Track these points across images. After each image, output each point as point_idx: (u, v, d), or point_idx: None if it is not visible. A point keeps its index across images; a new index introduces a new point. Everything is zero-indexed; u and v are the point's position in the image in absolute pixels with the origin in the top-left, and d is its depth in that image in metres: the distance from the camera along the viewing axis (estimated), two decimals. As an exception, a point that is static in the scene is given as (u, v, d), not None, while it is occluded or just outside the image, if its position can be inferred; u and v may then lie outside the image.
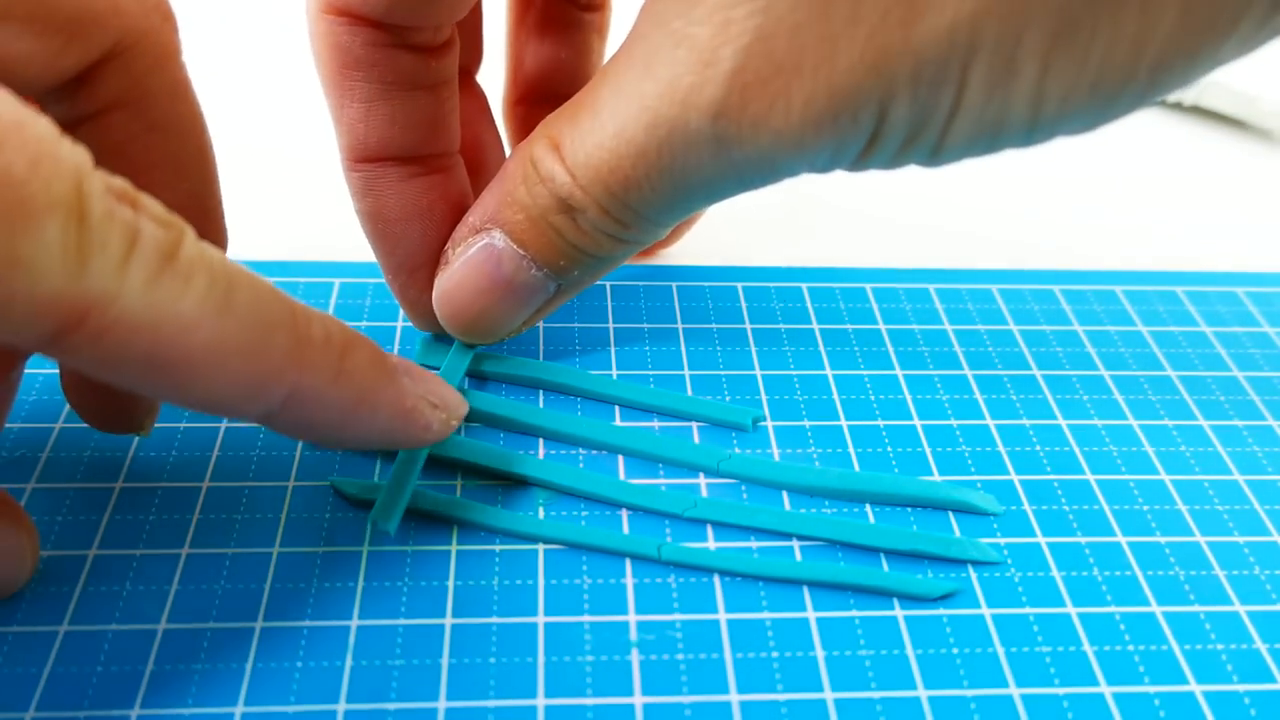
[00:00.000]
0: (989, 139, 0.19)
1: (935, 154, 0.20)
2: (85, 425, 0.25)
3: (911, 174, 0.38)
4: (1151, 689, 0.21)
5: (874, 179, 0.38)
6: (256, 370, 0.18)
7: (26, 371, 0.26)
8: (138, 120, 0.21)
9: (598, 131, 0.21)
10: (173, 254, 0.16)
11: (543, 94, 0.29)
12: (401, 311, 0.29)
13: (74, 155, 0.16)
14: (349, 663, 0.20)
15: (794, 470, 0.24)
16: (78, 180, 0.15)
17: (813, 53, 0.18)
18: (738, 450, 0.25)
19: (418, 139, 0.24)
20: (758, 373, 0.28)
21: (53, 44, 0.19)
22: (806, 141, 0.19)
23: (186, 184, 0.22)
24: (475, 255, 0.24)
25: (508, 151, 0.30)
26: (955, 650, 0.21)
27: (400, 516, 0.23)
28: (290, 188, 0.34)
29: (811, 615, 0.22)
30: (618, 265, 0.24)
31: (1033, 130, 0.19)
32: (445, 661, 0.21)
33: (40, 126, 0.15)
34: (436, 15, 0.23)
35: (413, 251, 0.25)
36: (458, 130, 0.25)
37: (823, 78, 0.18)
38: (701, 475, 0.25)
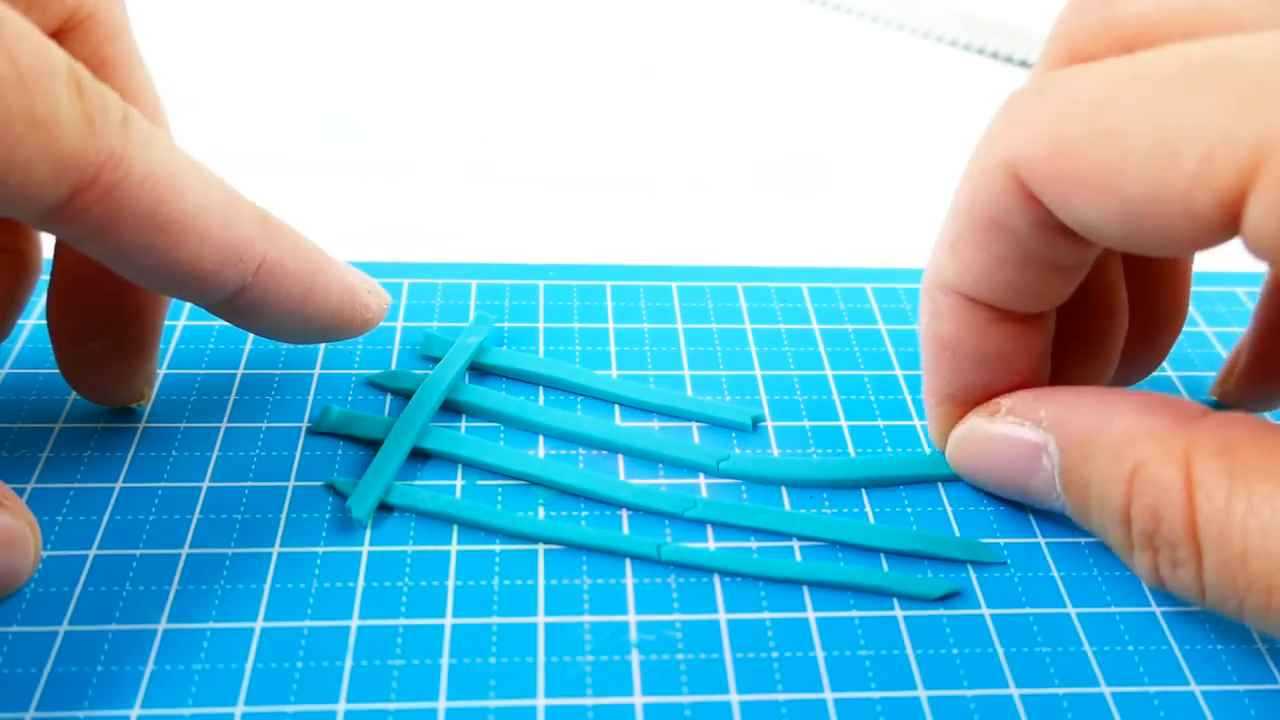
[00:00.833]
0: None
1: None
2: (86, 425, 0.25)
3: (911, 173, 0.38)
4: (1151, 689, 0.21)
5: (874, 178, 0.38)
6: (235, 235, 0.19)
7: (26, 371, 0.26)
8: None
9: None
10: (157, 132, 0.18)
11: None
12: (401, 309, 0.29)
13: (53, 45, 0.17)
14: (349, 663, 0.20)
15: (794, 464, 0.24)
16: (66, 59, 0.17)
17: None
18: (738, 450, 0.25)
19: (1019, 299, 0.21)
20: (758, 373, 0.28)
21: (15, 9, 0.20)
22: None
23: None
24: (1021, 446, 0.22)
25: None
26: (955, 650, 0.21)
27: (374, 504, 0.23)
28: (291, 188, 0.34)
29: (811, 615, 0.22)
30: None
31: None
32: (445, 661, 0.21)
33: (24, 20, 0.17)
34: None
35: (970, 388, 0.23)
36: (1064, 297, 0.22)
37: None
38: (701, 475, 0.25)
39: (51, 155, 0.16)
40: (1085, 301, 0.23)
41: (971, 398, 0.23)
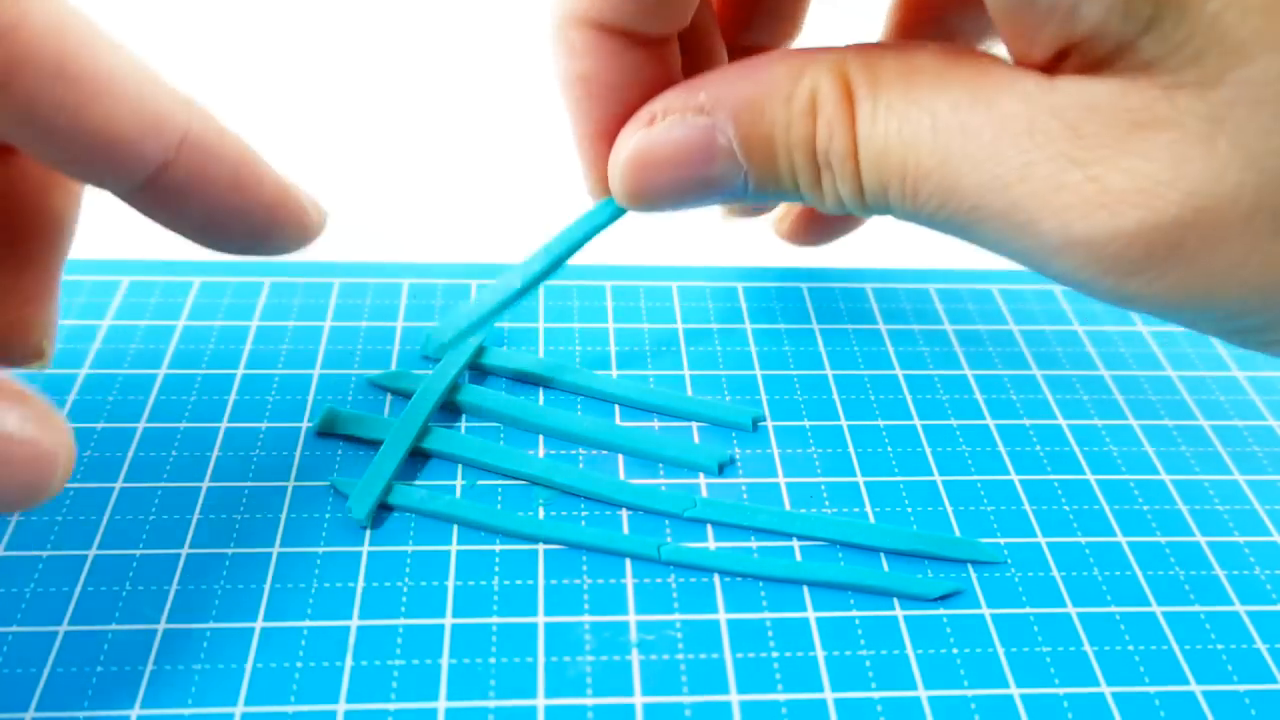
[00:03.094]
0: None
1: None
2: (86, 426, 0.25)
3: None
4: (1151, 689, 0.21)
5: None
6: (153, 101, 0.18)
7: (24, 371, 0.26)
8: None
9: (915, 124, 0.19)
10: None
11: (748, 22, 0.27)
12: (401, 309, 0.29)
13: None
14: (349, 663, 0.20)
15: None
16: None
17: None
18: (738, 451, 0.25)
19: (648, 17, 0.22)
20: (758, 373, 0.28)
21: None
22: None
23: None
24: (691, 136, 0.21)
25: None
26: (955, 650, 0.21)
27: (374, 504, 0.23)
28: (290, 188, 0.34)
29: (811, 615, 0.22)
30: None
31: None
32: (445, 661, 0.21)
33: None
34: None
35: (617, 116, 0.23)
36: (687, 17, 0.23)
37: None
38: (701, 475, 0.25)
39: None
40: (693, 40, 0.24)
41: (620, 127, 0.23)
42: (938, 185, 0.19)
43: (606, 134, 0.23)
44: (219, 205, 0.19)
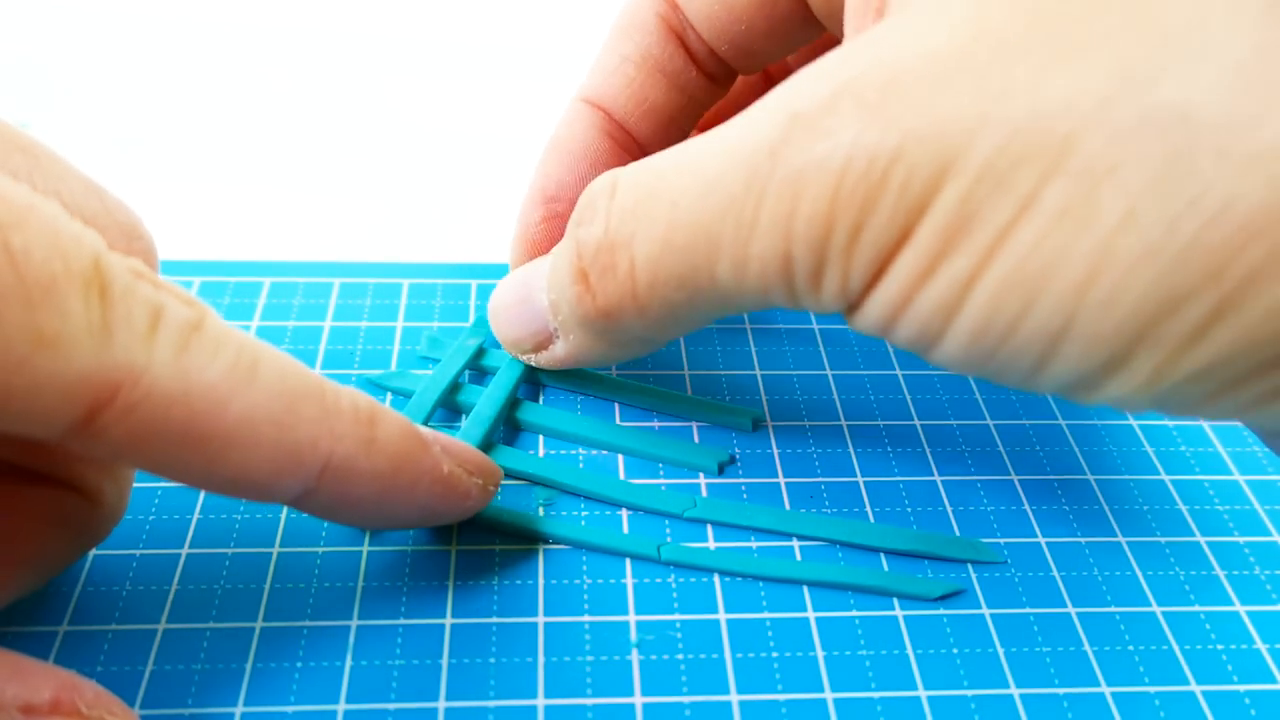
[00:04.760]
0: None
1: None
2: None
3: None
4: (1151, 689, 0.21)
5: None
6: (290, 440, 0.17)
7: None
8: None
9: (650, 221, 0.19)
10: (198, 326, 0.16)
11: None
12: (401, 309, 0.29)
13: (88, 234, 0.15)
14: (349, 663, 0.20)
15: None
16: (95, 256, 0.15)
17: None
18: (738, 450, 0.25)
19: (649, 125, 0.25)
20: (758, 373, 0.28)
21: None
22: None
23: None
24: (525, 276, 0.24)
25: None
26: (955, 650, 0.21)
27: None
28: (291, 188, 0.34)
29: (811, 615, 0.22)
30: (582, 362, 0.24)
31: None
32: (445, 661, 0.21)
33: (53, 207, 0.15)
34: (754, 57, 0.25)
35: (564, 185, 0.26)
36: (662, 133, 0.26)
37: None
38: (701, 475, 0.25)
39: (61, 378, 0.14)
40: None
41: (563, 196, 0.26)
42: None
43: (544, 193, 0.26)
44: (368, 514, 0.20)
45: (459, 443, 0.21)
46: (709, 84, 0.26)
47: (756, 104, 0.18)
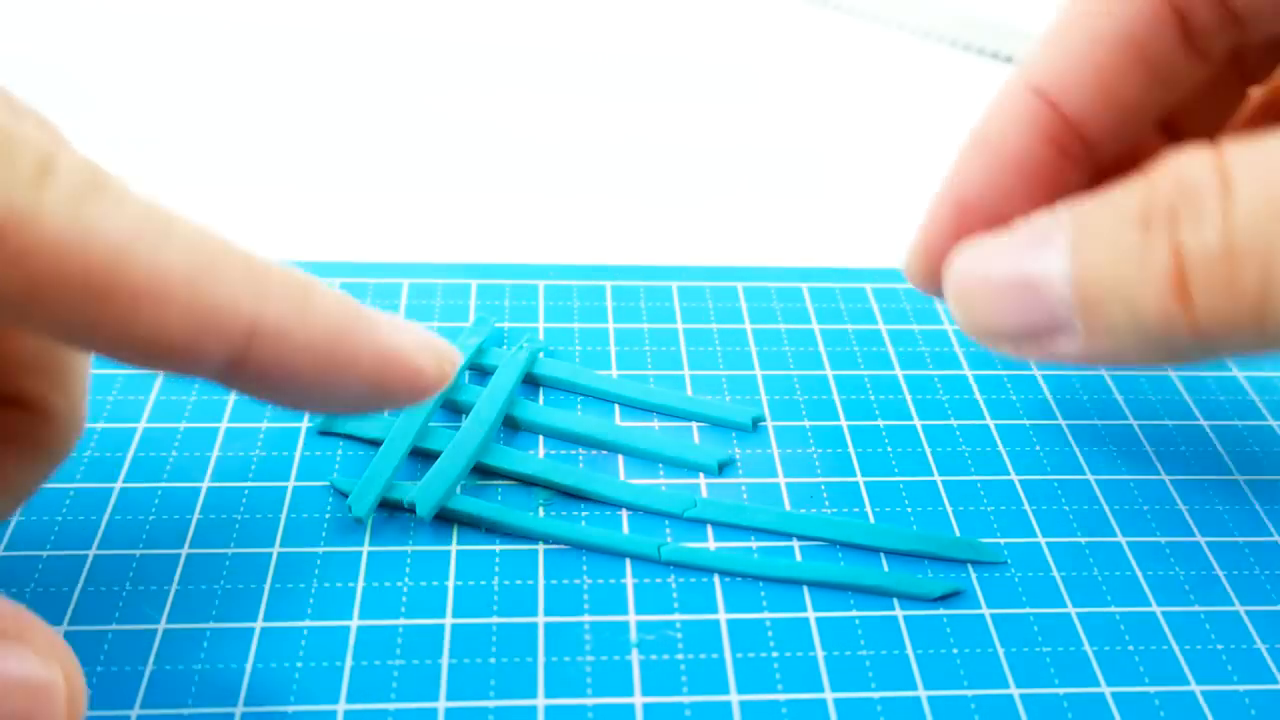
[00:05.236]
0: None
1: None
2: (86, 426, 0.25)
3: (912, 173, 0.38)
4: (1151, 689, 0.21)
5: (874, 178, 0.38)
6: (208, 298, 0.15)
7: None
8: None
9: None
10: (101, 185, 0.15)
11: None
12: (401, 309, 0.29)
13: None
14: (349, 663, 0.20)
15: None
16: None
17: None
18: (738, 451, 0.25)
19: (1107, 123, 0.20)
20: (758, 373, 0.28)
21: None
22: None
23: None
24: (1021, 251, 0.18)
25: None
26: (955, 650, 0.21)
27: (374, 504, 0.23)
28: (291, 188, 0.34)
29: (811, 615, 0.22)
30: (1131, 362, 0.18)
31: None
32: (445, 661, 0.21)
33: None
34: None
35: (986, 194, 0.21)
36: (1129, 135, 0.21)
37: None
38: (701, 475, 0.25)
39: None
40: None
41: (981, 208, 0.21)
42: None
43: (959, 206, 0.21)
44: (307, 389, 0.18)
45: (410, 322, 0.19)
46: (1197, 70, 0.20)
47: None
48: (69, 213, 0.15)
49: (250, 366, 0.16)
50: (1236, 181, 0.15)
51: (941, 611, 0.22)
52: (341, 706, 0.20)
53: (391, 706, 0.20)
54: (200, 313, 0.15)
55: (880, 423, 0.27)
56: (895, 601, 0.22)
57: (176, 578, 0.22)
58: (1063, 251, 0.17)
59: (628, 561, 0.23)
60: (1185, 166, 0.16)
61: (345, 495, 0.24)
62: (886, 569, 0.23)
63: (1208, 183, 0.16)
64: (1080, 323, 0.17)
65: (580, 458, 0.25)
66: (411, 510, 0.23)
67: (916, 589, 0.22)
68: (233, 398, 0.26)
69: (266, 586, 0.22)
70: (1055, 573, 0.23)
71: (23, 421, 0.19)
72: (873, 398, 0.27)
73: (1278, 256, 0.15)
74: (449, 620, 0.21)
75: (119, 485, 0.24)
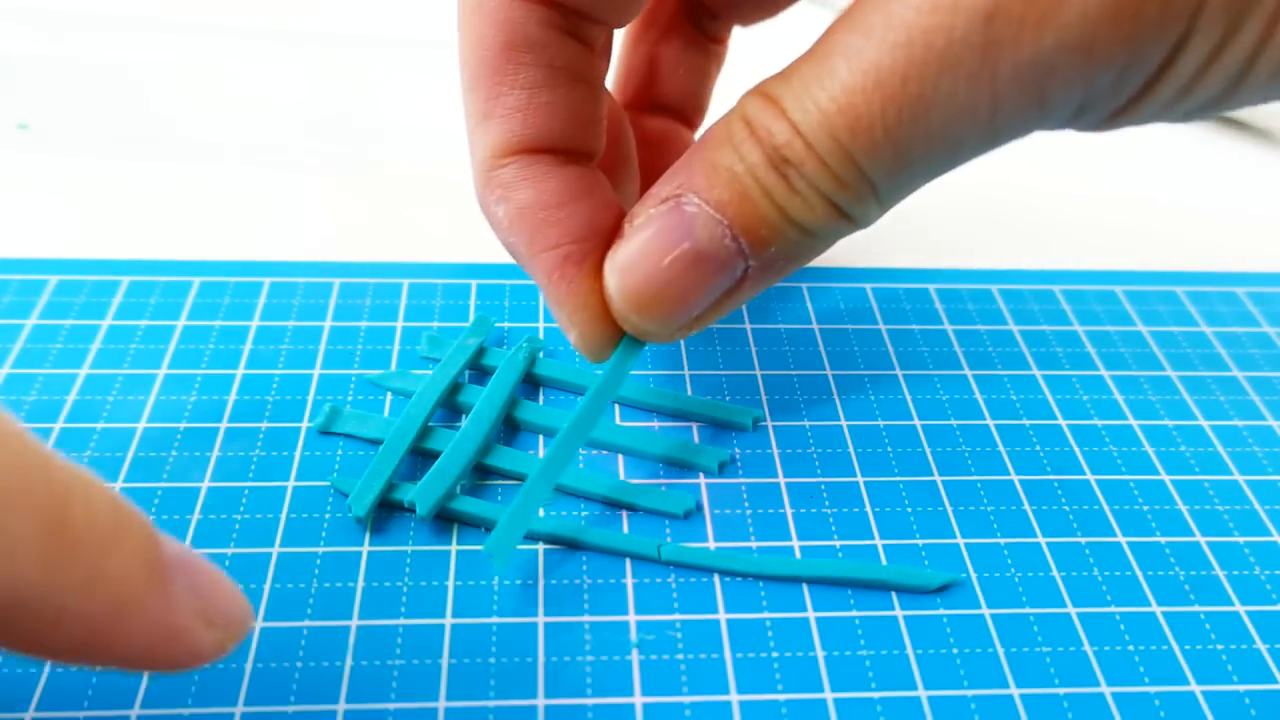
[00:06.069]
0: None
1: (1227, 95, 0.18)
2: (85, 426, 0.25)
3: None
4: (1151, 689, 0.21)
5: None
6: None
7: (27, 371, 0.26)
8: None
9: (827, 76, 0.19)
10: None
11: (651, 103, 0.29)
12: (401, 309, 0.29)
13: None
14: (349, 663, 0.20)
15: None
16: None
17: None
18: (738, 451, 0.25)
19: (574, 135, 0.22)
20: (758, 373, 0.28)
21: None
22: (1099, 44, 0.17)
23: None
24: (663, 219, 0.21)
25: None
26: (955, 650, 0.21)
27: (374, 504, 0.23)
28: (291, 188, 0.34)
29: (811, 615, 0.22)
30: (812, 255, 0.21)
31: None
32: (445, 661, 0.21)
33: None
34: (618, 9, 0.23)
35: (580, 235, 0.22)
36: (604, 133, 0.24)
37: None
38: (701, 475, 0.25)
39: None
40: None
41: (587, 245, 0.22)
42: (885, 101, 0.18)
43: (568, 257, 0.22)
44: (59, 660, 0.16)
45: (212, 572, 0.17)
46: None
47: None
48: None
49: (7, 634, 0.14)
50: (782, 99, 0.19)
51: (941, 611, 0.22)
52: (341, 706, 0.20)
53: (391, 706, 0.20)
54: None
55: (880, 423, 0.27)
56: (895, 601, 0.22)
57: (176, 578, 0.22)
58: (708, 215, 0.20)
59: (628, 561, 0.23)
60: (748, 106, 0.20)
61: (345, 495, 0.24)
62: (885, 562, 0.23)
63: (767, 108, 0.20)
64: (755, 260, 0.21)
65: (580, 458, 0.25)
66: (411, 510, 0.23)
67: (915, 580, 0.22)
68: (233, 397, 0.26)
69: (266, 586, 0.22)
70: (1055, 573, 0.23)
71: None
72: (873, 398, 0.27)
73: (839, 125, 0.19)
74: (449, 620, 0.21)
75: (119, 485, 0.24)
